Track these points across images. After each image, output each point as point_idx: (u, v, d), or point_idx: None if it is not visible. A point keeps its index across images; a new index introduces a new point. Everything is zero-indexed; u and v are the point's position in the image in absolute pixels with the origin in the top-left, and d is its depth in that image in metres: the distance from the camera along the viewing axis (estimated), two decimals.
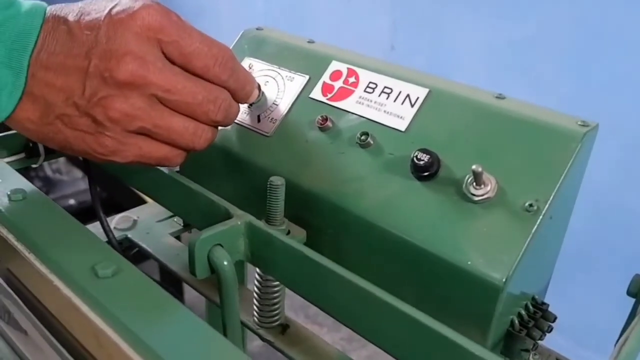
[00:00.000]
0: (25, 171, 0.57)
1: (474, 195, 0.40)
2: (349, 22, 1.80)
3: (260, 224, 0.43)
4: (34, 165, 0.63)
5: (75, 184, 1.98)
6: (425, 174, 0.42)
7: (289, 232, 0.45)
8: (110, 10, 0.39)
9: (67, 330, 0.38)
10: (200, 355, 0.32)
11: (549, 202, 0.38)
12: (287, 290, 0.47)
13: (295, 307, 1.55)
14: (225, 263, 0.41)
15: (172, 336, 0.33)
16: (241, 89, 0.45)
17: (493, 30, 1.48)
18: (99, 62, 0.38)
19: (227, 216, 0.43)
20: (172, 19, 0.40)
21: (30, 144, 0.61)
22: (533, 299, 0.44)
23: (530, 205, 0.39)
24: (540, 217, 0.38)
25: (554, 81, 1.38)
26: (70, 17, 0.39)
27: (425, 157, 0.42)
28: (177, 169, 0.50)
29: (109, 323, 0.33)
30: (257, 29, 0.58)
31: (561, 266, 0.48)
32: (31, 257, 0.38)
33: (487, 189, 0.40)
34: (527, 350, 0.42)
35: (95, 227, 0.57)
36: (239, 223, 0.42)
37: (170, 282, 1.01)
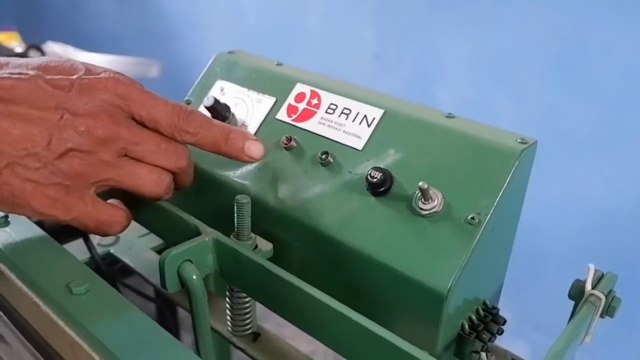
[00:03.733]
0: None
1: (422, 209, 0.43)
2: (335, 33, 1.83)
3: (228, 240, 0.46)
4: None
5: None
6: (379, 190, 0.45)
7: (256, 247, 0.48)
8: (81, 75, 0.42)
9: (46, 341, 0.41)
10: None
11: (489, 215, 0.42)
12: None
13: None
14: (194, 277, 0.44)
15: (139, 348, 0.36)
16: (220, 139, 0.47)
17: (478, 41, 1.51)
18: (72, 117, 0.40)
19: (197, 233, 0.46)
20: (137, 88, 0.44)
21: None
22: (484, 303, 0.47)
23: (472, 218, 0.42)
24: (482, 228, 0.41)
25: (536, 92, 1.41)
26: (31, 72, 0.41)
27: (377, 175, 0.45)
28: None
29: (81, 335, 0.37)
30: (229, 52, 0.61)
31: None
32: (13, 276, 0.42)
33: (434, 204, 0.43)
34: (477, 352, 0.45)
35: (79, 243, 0.60)
36: (207, 240, 0.45)
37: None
